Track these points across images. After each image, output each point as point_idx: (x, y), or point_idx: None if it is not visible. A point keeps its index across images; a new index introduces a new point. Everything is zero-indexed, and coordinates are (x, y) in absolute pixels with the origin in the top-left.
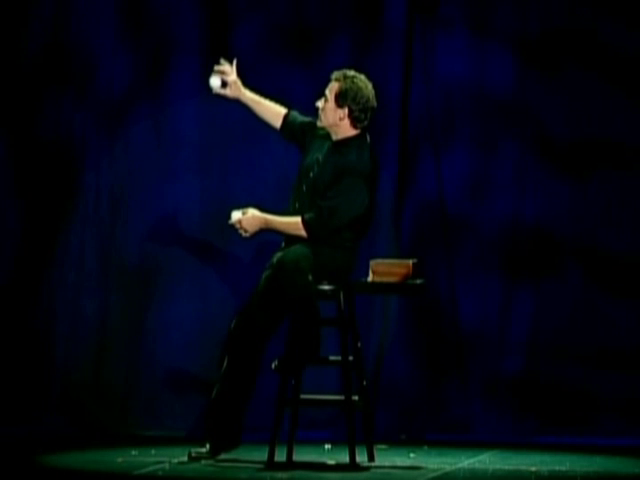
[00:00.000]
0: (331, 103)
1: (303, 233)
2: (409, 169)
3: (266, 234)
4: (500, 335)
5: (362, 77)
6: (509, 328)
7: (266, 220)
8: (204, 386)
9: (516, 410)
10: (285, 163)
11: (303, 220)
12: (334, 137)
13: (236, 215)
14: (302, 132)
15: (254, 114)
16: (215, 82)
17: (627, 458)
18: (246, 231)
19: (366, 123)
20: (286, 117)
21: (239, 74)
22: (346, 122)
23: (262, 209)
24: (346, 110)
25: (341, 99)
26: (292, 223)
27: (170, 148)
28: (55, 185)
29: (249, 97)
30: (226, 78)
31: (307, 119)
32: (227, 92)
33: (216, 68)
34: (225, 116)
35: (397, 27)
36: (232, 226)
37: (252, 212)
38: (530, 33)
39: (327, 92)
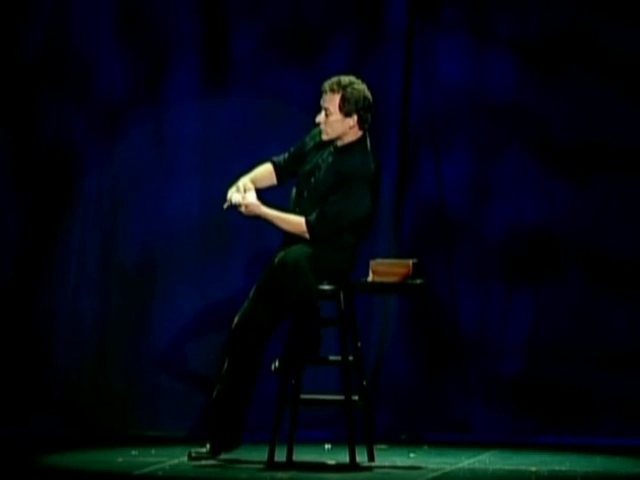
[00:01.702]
0: (336, 115)
1: (305, 235)
2: (409, 169)
3: (266, 236)
4: (500, 335)
5: (353, 78)
6: (509, 328)
7: (265, 215)
8: (204, 386)
9: (516, 410)
10: None
11: (307, 222)
12: (340, 143)
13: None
14: (297, 161)
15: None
16: (252, 196)
17: (627, 458)
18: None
19: (370, 121)
20: (276, 169)
21: (239, 77)
22: (356, 129)
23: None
24: (355, 117)
25: (347, 108)
26: (295, 223)
27: (170, 149)
28: (55, 186)
29: (256, 184)
30: (245, 187)
31: (292, 149)
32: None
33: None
34: (225, 117)
35: (397, 28)
36: (229, 207)
37: (253, 204)
38: (530, 35)
39: (327, 105)
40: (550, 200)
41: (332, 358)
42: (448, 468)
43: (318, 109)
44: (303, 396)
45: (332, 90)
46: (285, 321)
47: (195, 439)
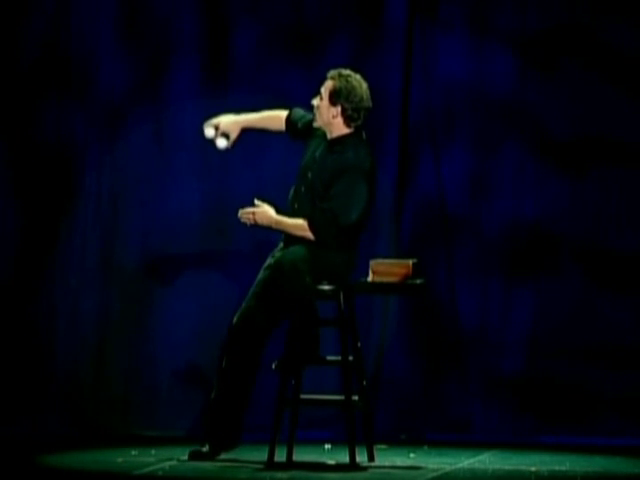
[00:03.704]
0: (325, 101)
1: (309, 235)
2: (409, 169)
3: (266, 235)
4: (500, 334)
5: (357, 76)
6: (509, 327)
7: (277, 221)
8: (204, 386)
9: (516, 409)
10: (285, 164)
11: (309, 222)
12: (329, 136)
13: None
14: (307, 130)
15: (262, 131)
16: (222, 143)
17: (627, 458)
18: (255, 223)
19: (360, 122)
20: (289, 118)
21: (239, 76)
22: (339, 120)
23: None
24: (339, 108)
25: (335, 97)
26: (299, 225)
27: (170, 149)
28: (56, 186)
29: (251, 121)
30: (224, 130)
31: (310, 117)
32: (233, 137)
33: (209, 136)
34: None
35: (397, 27)
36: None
37: (268, 209)
38: (530, 32)
39: (322, 90)
40: (549, 196)
41: (332, 358)
42: (448, 468)
43: None
44: (303, 396)
45: (331, 77)
46: (284, 321)
47: (195, 439)
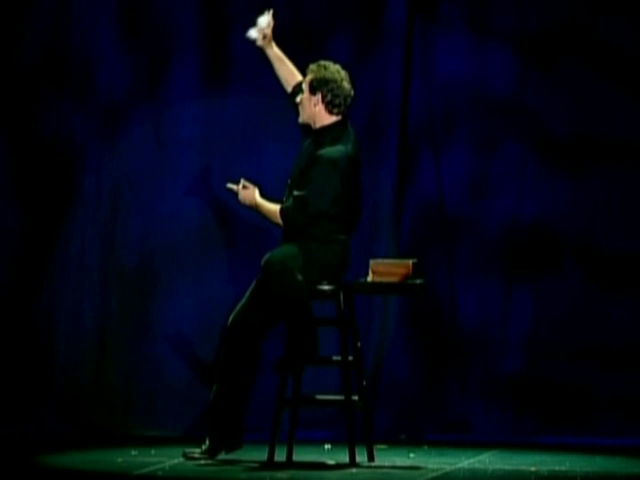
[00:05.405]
0: (306, 93)
1: (280, 222)
2: (409, 169)
3: (266, 235)
4: (500, 334)
5: (337, 66)
6: (509, 327)
7: (257, 204)
8: (204, 386)
9: (516, 410)
10: (284, 163)
11: (280, 209)
12: (313, 127)
13: (254, 34)
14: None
15: (273, 69)
16: (253, 34)
17: (627, 458)
18: (238, 201)
19: (343, 109)
20: (297, 85)
21: (239, 76)
22: (321, 108)
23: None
24: (319, 96)
25: (314, 86)
26: (272, 211)
27: (170, 149)
28: (55, 186)
29: (274, 53)
30: (265, 32)
31: None
32: (259, 43)
33: (260, 25)
34: (225, 116)
35: (397, 27)
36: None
37: (253, 191)
38: (530, 32)
39: (303, 85)
40: (549, 197)
41: (332, 358)
42: (448, 468)
43: None
44: (303, 396)
45: (310, 70)
46: (280, 321)
47: (194, 439)
